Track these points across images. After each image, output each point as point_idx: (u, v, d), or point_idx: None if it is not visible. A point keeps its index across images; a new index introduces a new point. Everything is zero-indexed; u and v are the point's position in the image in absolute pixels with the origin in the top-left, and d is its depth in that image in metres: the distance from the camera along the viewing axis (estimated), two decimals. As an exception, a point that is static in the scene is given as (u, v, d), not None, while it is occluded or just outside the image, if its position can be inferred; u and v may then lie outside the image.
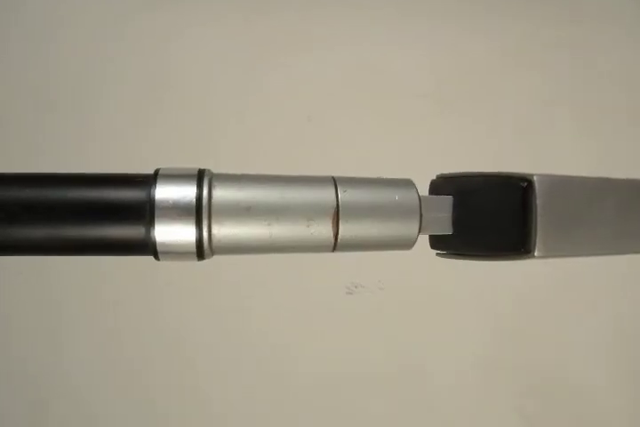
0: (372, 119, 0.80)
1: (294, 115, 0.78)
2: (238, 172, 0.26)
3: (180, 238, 0.24)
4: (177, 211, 0.24)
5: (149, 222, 0.23)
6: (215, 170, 0.26)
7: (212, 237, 0.24)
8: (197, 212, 0.24)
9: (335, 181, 0.26)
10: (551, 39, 0.84)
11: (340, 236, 0.25)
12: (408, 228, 0.26)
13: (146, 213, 0.23)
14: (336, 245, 0.26)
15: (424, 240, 0.29)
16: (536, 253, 0.26)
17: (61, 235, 0.24)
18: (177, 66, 0.80)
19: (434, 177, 0.30)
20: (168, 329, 0.75)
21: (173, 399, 0.75)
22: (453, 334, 0.78)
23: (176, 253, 0.24)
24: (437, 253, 0.30)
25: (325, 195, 0.25)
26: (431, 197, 0.29)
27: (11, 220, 0.24)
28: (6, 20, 0.78)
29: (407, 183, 0.27)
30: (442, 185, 0.29)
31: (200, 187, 0.24)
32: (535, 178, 0.26)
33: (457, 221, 0.28)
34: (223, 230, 0.24)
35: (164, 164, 0.25)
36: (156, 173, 0.24)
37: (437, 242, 0.29)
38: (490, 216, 0.27)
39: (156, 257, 0.25)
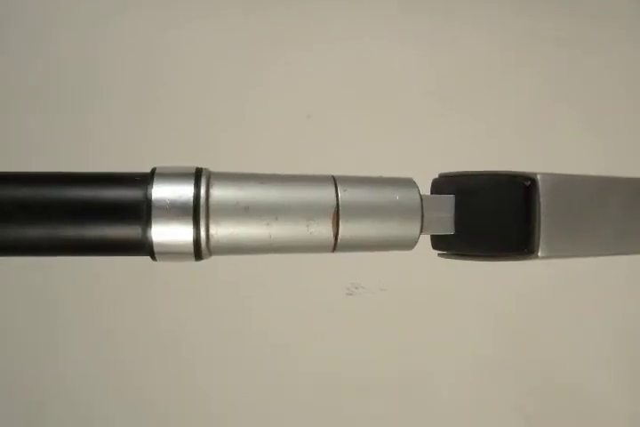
0: (372, 117, 0.79)
1: (294, 112, 0.78)
2: (237, 170, 0.26)
3: (178, 239, 0.23)
4: (174, 210, 0.23)
5: (146, 222, 0.23)
6: (213, 169, 0.25)
7: (210, 237, 0.24)
8: (195, 211, 0.23)
9: (335, 181, 0.25)
10: (552, 35, 0.84)
11: (340, 236, 0.25)
12: (409, 228, 0.26)
13: (142, 212, 0.23)
14: (336, 246, 0.25)
15: (425, 240, 0.29)
16: (539, 254, 0.26)
17: (57, 235, 0.24)
18: (174, 62, 0.79)
19: (435, 176, 0.30)
20: (165, 329, 0.75)
21: (171, 400, 0.75)
22: (455, 335, 0.77)
23: (173, 253, 0.24)
24: (439, 254, 0.30)
25: (325, 194, 0.25)
26: (433, 196, 0.28)
27: (6, 219, 0.23)
28: (1, 17, 0.78)
29: (408, 182, 0.27)
30: (444, 184, 0.29)
31: (198, 186, 0.24)
32: (538, 177, 0.26)
33: (459, 220, 0.27)
34: (221, 230, 0.24)
35: (162, 162, 0.25)
36: (153, 171, 0.24)
37: (439, 242, 0.29)
38: (492, 216, 0.27)
39: (153, 258, 0.24)
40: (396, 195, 0.26)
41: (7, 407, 0.72)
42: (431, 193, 0.29)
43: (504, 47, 0.84)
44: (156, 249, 0.24)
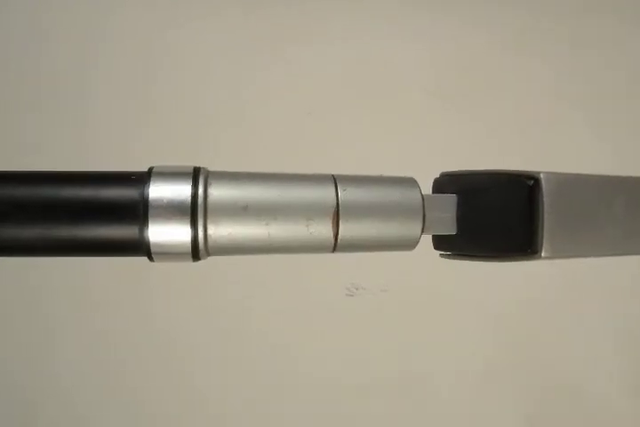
0: (372, 116, 0.79)
1: (293, 111, 0.78)
2: (235, 169, 0.25)
3: (175, 239, 0.23)
4: (171, 210, 0.23)
5: (143, 222, 0.23)
6: (211, 168, 0.25)
7: (208, 237, 0.23)
8: (192, 211, 0.23)
9: (335, 180, 0.25)
10: (552, 33, 0.83)
11: (340, 236, 0.25)
12: (410, 228, 0.26)
13: (139, 212, 0.23)
14: (336, 246, 0.25)
15: (427, 240, 0.28)
16: (543, 254, 0.25)
17: (52, 235, 0.24)
18: (173, 60, 0.79)
19: (437, 175, 0.29)
20: (162, 330, 0.74)
21: (168, 401, 0.74)
22: (457, 336, 0.77)
23: (170, 253, 0.24)
24: (441, 254, 0.29)
25: (325, 194, 0.25)
26: (434, 195, 0.28)
27: (1, 219, 0.23)
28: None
29: (410, 182, 0.26)
30: (445, 183, 0.28)
31: (195, 185, 0.23)
32: (542, 176, 0.25)
33: (461, 220, 0.27)
34: (219, 230, 0.24)
35: (159, 161, 0.25)
36: (150, 170, 0.24)
37: (441, 242, 0.29)
38: (495, 216, 0.26)
39: (150, 258, 0.24)
40: (397, 194, 0.26)
41: (2, 408, 0.72)
42: (433, 192, 0.29)
43: (505, 45, 0.83)
44: (152, 250, 0.23)
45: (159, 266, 0.26)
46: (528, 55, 0.83)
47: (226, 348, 0.75)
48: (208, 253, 0.24)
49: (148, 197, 0.23)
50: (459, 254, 0.28)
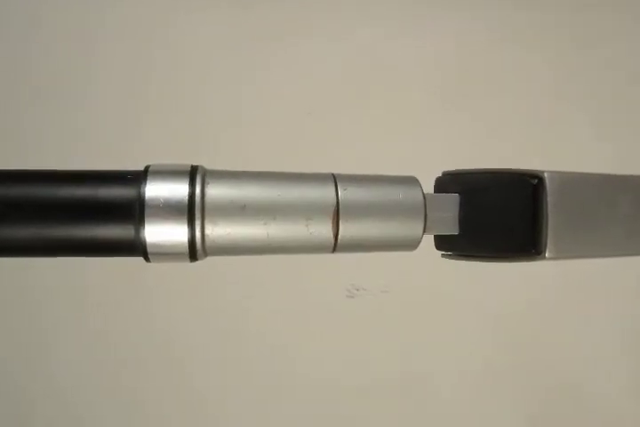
0: (373, 114, 0.78)
1: (293, 108, 0.77)
2: (233, 168, 0.25)
3: (172, 239, 0.23)
4: (168, 210, 0.23)
5: (139, 222, 0.23)
6: (209, 166, 0.25)
7: (206, 237, 0.23)
8: (190, 211, 0.23)
9: (335, 179, 0.25)
10: (555, 30, 0.83)
11: (340, 236, 0.24)
12: (412, 227, 0.25)
13: (135, 212, 0.23)
14: (336, 246, 0.25)
15: (429, 241, 0.28)
16: (547, 255, 0.25)
17: (47, 235, 0.23)
18: (171, 57, 0.78)
19: (439, 174, 0.29)
20: (159, 330, 0.74)
21: (165, 402, 0.74)
22: (459, 338, 0.76)
23: (167, 254, 0.23)
24: (443, 255, 0.29)
25: (325, 193, 0.24)
26: (436, 195, 0.28)
27: (-4, 219, 0.23)
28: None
29: (411, 181, 0.26)
30: (447, 182, 0.28)
31: (192, 184, 0.23)
32: (546, 175, 0.25)
33: (463, 220, 0.27)
34: (217, 230, 0.23)
35: (155, 160, 0.24)
36: (147, 169, 0.24)
37: (443, 242, 0.28)
38: (498, 215, 0.26)
39: (147, 259, 0.24)
40: (398, 193, 0.25)
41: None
42: (434, 192, 0.29)
43: (506, 44, 0.83)
44: (149, 250, 0.23)
45: (157, 266, 0.25)
46: (530, 53, 0.82)
47: (225, 349, 0.75)
48: (206, 254, 0.24)
49: (144, 197, 0.22)
50: (461, 255, 0.28)
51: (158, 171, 0.23)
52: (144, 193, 0.23)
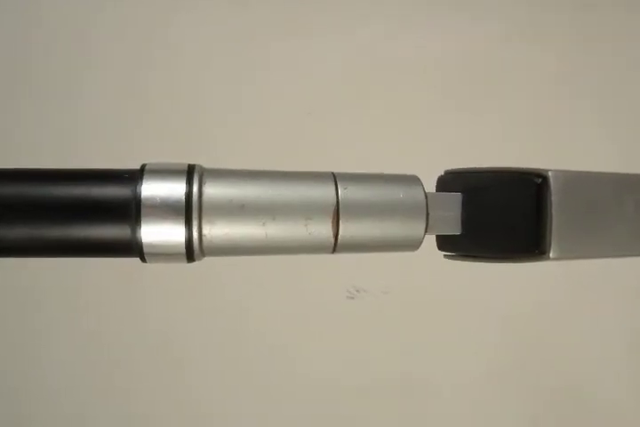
0: (374, 112, 0.78)
1: (292, 107, 0.77)
2: (231, 167, 0.25)
3: (169, 239, 0.23)
4: (165, 209, 0.22)
5: (135, 222, 0.22)
6: (207, 165, 0.24)
7: (203, 237, 0.23)
8: (187, 210, 0.22)
9: (335, 178, 0.24)
10: (563, 26, 0.82)
11: (340, 236, 0.24)
12: (414, 227, 0.25)
13: (131, 211, 0.22)
14: (336, 246, 0.24)
15: (431, 241, 0.28)
16: (551, 255, 0.25)
17: (42, 235, 0.23)
18: (169, 56, 0.78)
19: (441, 173, 0.29)
20: (157, 331, 0.73)
21: (161, 404, 0.74)
22: (461, 341, 0.76)
23: (164, 254, 0.23)
24: (445, 255, 0.29)
25: (325, 192, 0.24)
26: (439, 194, 0.27)
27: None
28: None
29: (413, 180, 0.26)
30: (450, 181, 0.28)
31: (190, 183, 0.23)
32: (550, 174, 0.25)
33: (466, 220, 0.27)
34: (215, 230, 0.23)
35: (152, 158, 0.24)
36: (143, 168, 0.23)
37: (445, 243, 0.28)
38: (502, 215, 0.26)
39: (143, 259, 0.23)
40: (399, 193, 0.25)
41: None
42: (437, 191, 0.28)
43: (510, 41, 0.82)
44: (145, 250, 0.23)
45: (153, 266, 0.25)
46: (535, 51, 0.82)
47: (223, 351, 0.74)
48: (203, 254, 0.24)
49: (140, 196, 0.22)
50: (463, 255, 0.28)
51: (155, 170, 0.23)
52: (140, 192, 0.22)
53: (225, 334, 0.74)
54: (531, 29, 0.83)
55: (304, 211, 0.24)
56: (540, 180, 0.25)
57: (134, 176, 0.23)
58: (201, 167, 0.24)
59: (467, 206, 0.26)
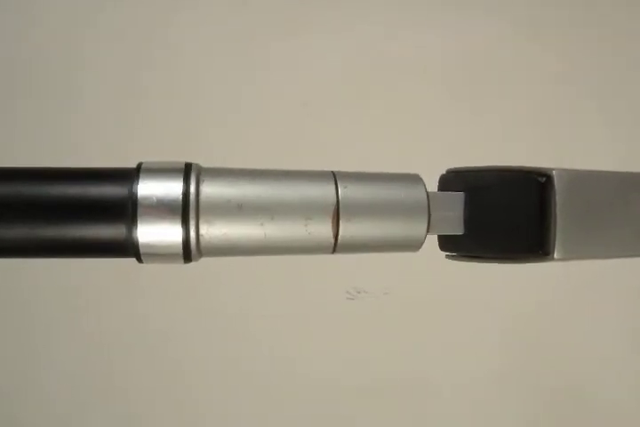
0: (375, 110, 0.77)
1: (291, 105, 0.76)
2: (229, 166, 0.24)
3: (165, 239, 0.22)
4: (161, 209, 0.22)
5: (131, 222, 0.22)
6: (204, 164, 0.24)
7: (201, 237, 0.23)
8: (184, 210, 0.22)
9: (335, 177, 0.24)
10: (566, 24, 0.82)
11: (340, 236, 0.24)
12: (415, 227, 0.25)
13: (127, 211, 0.22)
14: (336, 246, 0.24)
15: (432, 241, 0.27)
16: (555, 256, 0.24)
17: (36, 235, 0.23)
18: (166, 51, 0.78)
19: (443, 172, 0.28)
20: (156, 331, 0.73)
21: (160, 404, 0.73)
22: (463, 342, 0.76)
23: (161, 255, 0.23)
24: (447, 255, 0.28)
25: (325, 191, 0.24)
26: (440, 193, 0.27)
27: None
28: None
29: (414, 178, 0.25)
30: (452, 180, 0.27)
31: (187, 182, 0.22)
32: (554, 173, 0.24)
33: (469, 219, 0.26)
34: (212, 230, 0.23)
35: (149, 157, 0.24)
36: (139, 167, 0.23)
37: (447, 243, 0.28)
38: (505, 215, 0.26)
39: (139, 260, 0.23)
40: (400, 192, 0.25)
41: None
42: (438, 190, 0.28)
43: (513, 39, 0.82)
44: (142, 251, 0.22)
45: (151, 266, 0.25)
46: (535, 51, 0.81)
47: (223, 351, 0.74)
48: (200, 255, 0.23)
49: (136, 195, 0.22)
50: (466, 255, 0.27)
51: (151, 168, 0.23)
52: (136, 191, 0.22)
53: (225, 334, 0.74)
54: (531, 29, 0.83)
55: (304, 210, 0.23)
56: (544, 179, 0.24)
57: (130, 175, 0.22)
58: (198, 166, 0.24)
59: (469, 206, 0.26)
